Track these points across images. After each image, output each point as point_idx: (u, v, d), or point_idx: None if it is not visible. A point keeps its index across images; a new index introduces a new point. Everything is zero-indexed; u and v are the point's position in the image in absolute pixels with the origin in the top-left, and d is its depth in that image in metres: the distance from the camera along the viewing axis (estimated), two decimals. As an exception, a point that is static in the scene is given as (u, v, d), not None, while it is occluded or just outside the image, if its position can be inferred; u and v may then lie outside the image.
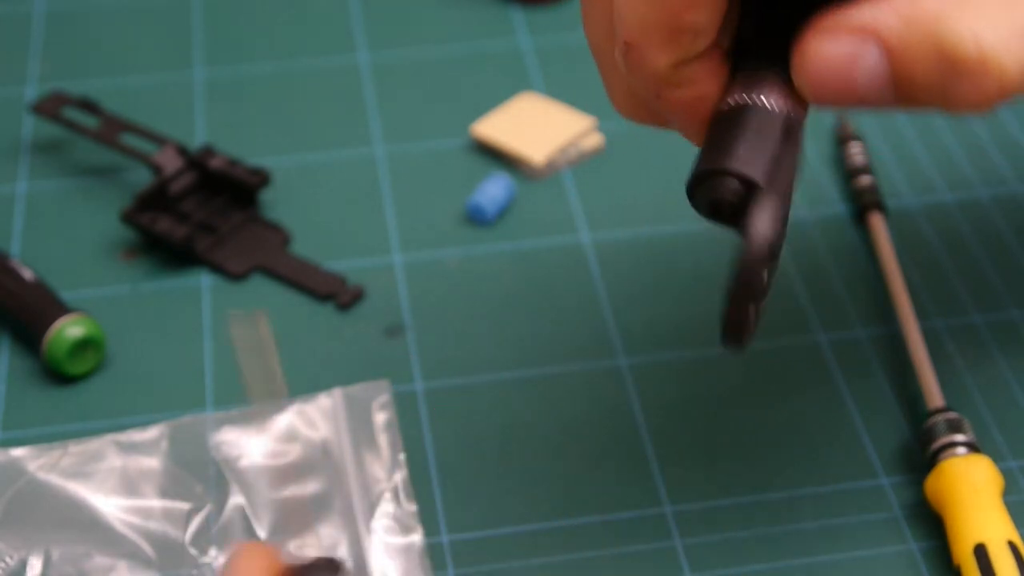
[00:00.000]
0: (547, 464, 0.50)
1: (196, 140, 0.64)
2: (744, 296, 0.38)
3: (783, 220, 0.39)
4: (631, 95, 0.42)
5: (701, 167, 0.39)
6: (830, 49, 0.36)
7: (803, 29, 0.37)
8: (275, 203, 0.61)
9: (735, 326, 0.38)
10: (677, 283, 0.57)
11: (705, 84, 0.40)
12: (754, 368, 0.53)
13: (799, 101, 0.39)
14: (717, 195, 0.39)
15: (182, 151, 0.60)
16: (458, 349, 0.54)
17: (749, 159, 0.39)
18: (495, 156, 0.62)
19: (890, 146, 0.63)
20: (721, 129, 0.40)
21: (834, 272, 0.57)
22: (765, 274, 0.38)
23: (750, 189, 0.38)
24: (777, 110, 0.39)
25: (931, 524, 0.48)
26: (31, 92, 0.67)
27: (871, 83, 0.36)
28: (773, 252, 0.38)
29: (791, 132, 0.39)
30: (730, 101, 0.40)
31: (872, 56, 0.36)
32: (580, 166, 0.62)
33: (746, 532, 0.48)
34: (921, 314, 0.54)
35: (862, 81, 0.36)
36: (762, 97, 0.39)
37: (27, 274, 0.55)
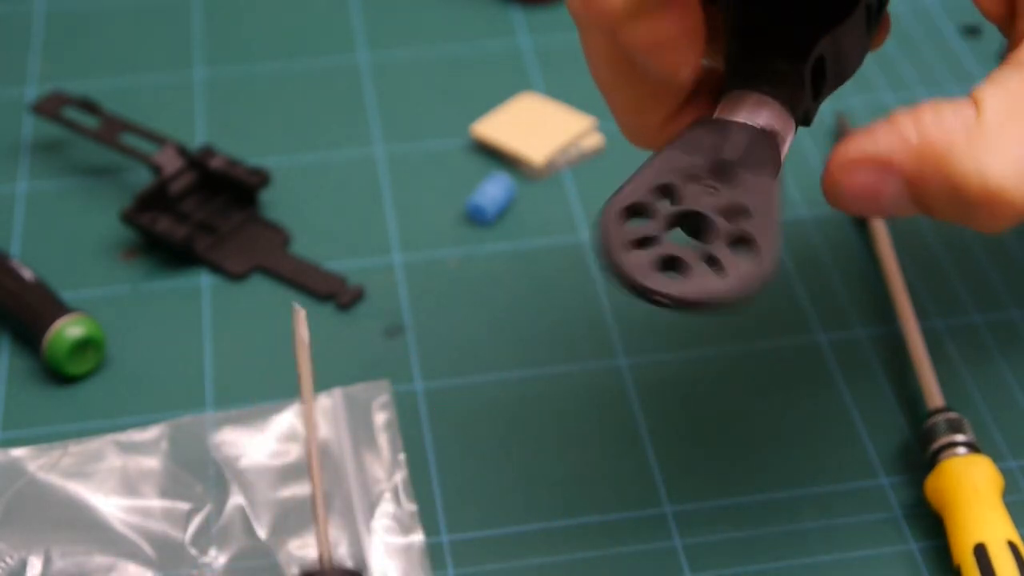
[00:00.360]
0: (547, 464, 0.50)
1: (196, 140, 0.64)
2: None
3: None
4: (641, 122, 0.42)
5: None
6: (856, 178, 0.39)
7: (830, 155, 0.40)
8: (275, 203, 0.61)
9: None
10: (677, 283, 0.56)
11: (668, 23, 0.39)
12: (754, 368, 0.53)
13: (784, 121, 0.40)
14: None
15: (182, 151, 0.60)
16: (458, 349, 0.54)
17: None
18: (495, 156, 0.62)
19: (890, 146, 0.63)
20: None
21: (834, 272, 0.57)
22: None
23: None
24: (763, 128, 0.40)
25: (931, 524, 0.48)
26: (31, 92, 0.67)
27: (895, 203, 0.39)
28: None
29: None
30: (716, 119, 0.40)
31: (894, 184, 0.39)
32: (580, 166, 0.62)
33: (746, 532, 0.48)
34: (921, 314, 0.54)
35: (887, 202, 0.39)
36: (746, 117, 0.40)
37: (27, 274, 0.55)
